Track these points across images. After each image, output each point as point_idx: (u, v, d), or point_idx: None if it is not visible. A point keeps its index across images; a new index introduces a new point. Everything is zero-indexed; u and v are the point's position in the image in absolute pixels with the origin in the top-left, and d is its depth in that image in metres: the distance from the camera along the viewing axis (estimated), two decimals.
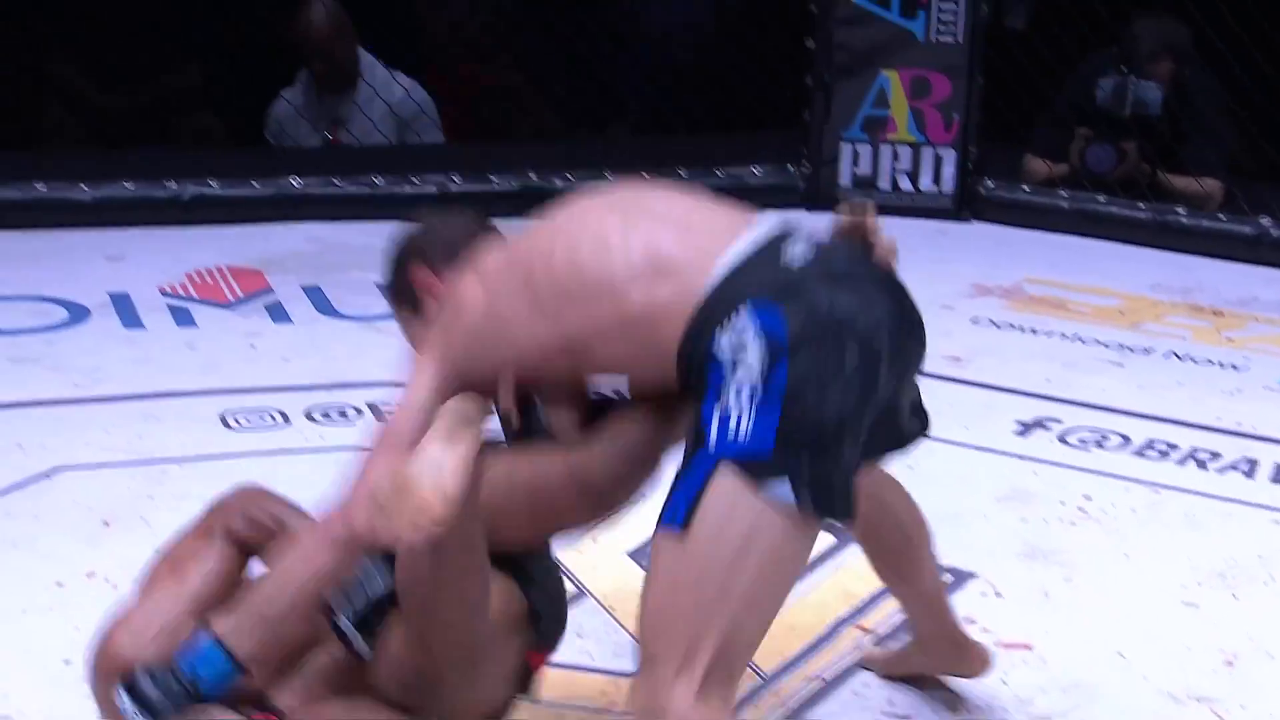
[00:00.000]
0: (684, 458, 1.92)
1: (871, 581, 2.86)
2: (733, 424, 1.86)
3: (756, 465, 1.85)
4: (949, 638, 2.49)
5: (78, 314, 4.21)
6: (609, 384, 2.05)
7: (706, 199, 2.09)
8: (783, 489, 1.85)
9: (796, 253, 1.96)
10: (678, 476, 1.91)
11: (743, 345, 1.88)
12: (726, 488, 1.86)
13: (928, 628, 2.49)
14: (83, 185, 4.93)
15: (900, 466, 3.41)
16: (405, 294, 2.24)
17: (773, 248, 1.96)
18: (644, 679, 1.90)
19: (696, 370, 1.92)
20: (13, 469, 3.25)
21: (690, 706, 1.85)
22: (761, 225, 2.01)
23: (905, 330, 1.97)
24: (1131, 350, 4.14)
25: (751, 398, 1.86)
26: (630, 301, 1.95)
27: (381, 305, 2.50)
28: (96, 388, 3.72)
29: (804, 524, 1.88)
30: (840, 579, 2.85)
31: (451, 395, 2.02)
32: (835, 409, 1.87)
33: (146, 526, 3.02)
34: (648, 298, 1.95)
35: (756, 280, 1.92)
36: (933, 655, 2.53)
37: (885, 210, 5.17)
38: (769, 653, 2.50)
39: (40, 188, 4.91)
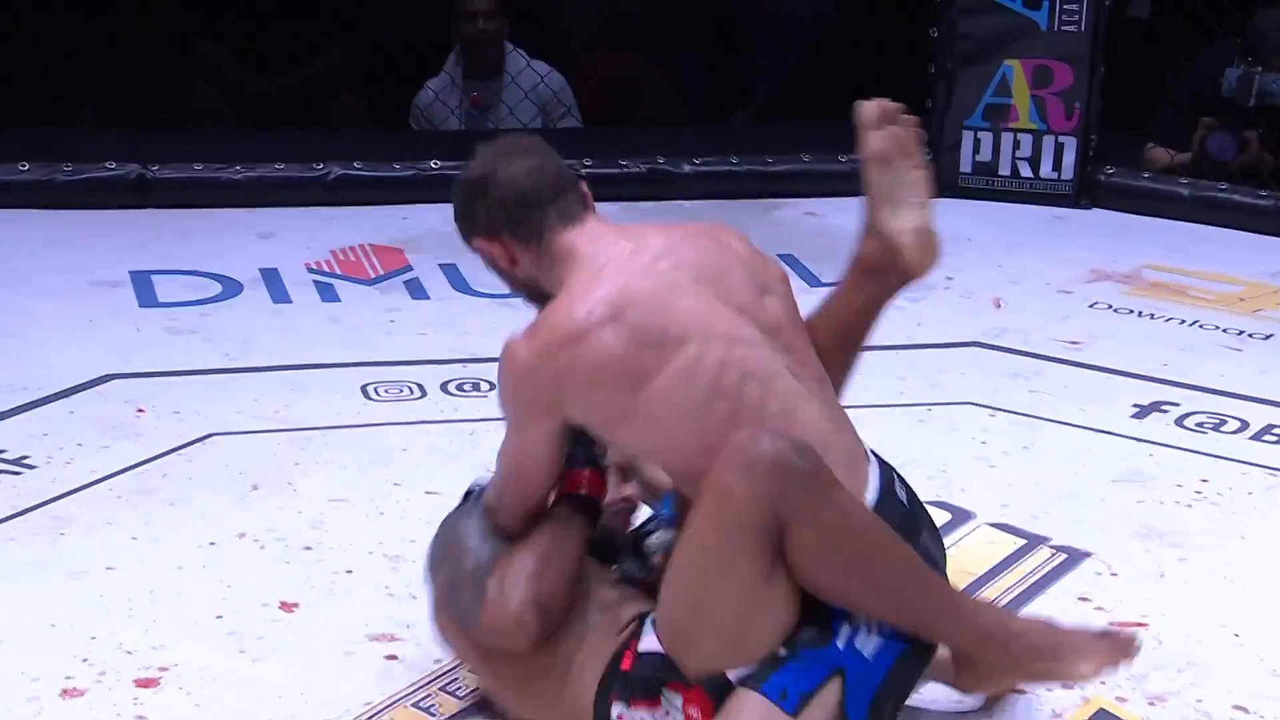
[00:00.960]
0: (796, 639, 2.09)
1: (988, 559, 2.90)
2: (860, 638, 2.09)
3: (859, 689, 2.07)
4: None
5: (231, 288, 4.37)
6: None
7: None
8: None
9: (902, 493, 2.23)
10: (790, 656, 2.07)
11: None
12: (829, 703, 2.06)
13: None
14: (237, 166, 5.09)
15: (1017, 447, 3.48)
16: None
17: (890, 480, 2.22)
18: None
19: None
20: (170, 434, 3.41)
21: None
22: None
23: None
24: (1251, 336, 4.13)
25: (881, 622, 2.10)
26: None
27: None
28: (247, 358, 3.88)
29: None
30: (957, 556, 2.86)
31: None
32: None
33: (292, 491, 3.16)
34: None
35: (896, 511, 2.19)
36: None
37: (1005, 196, 5.28)
38: None
39: (197, 168, 5.08)
